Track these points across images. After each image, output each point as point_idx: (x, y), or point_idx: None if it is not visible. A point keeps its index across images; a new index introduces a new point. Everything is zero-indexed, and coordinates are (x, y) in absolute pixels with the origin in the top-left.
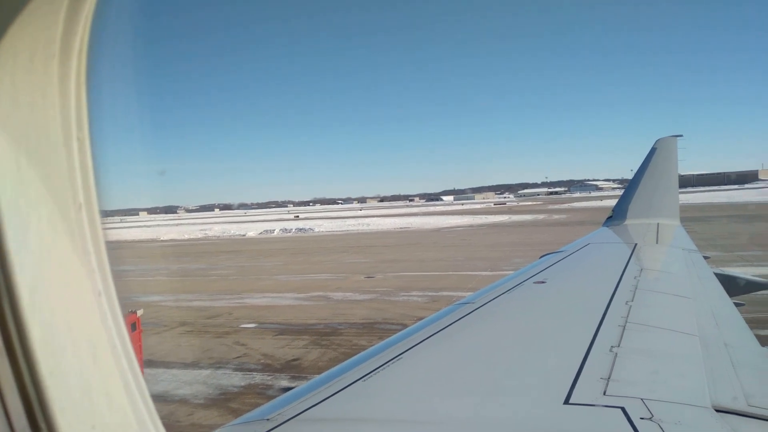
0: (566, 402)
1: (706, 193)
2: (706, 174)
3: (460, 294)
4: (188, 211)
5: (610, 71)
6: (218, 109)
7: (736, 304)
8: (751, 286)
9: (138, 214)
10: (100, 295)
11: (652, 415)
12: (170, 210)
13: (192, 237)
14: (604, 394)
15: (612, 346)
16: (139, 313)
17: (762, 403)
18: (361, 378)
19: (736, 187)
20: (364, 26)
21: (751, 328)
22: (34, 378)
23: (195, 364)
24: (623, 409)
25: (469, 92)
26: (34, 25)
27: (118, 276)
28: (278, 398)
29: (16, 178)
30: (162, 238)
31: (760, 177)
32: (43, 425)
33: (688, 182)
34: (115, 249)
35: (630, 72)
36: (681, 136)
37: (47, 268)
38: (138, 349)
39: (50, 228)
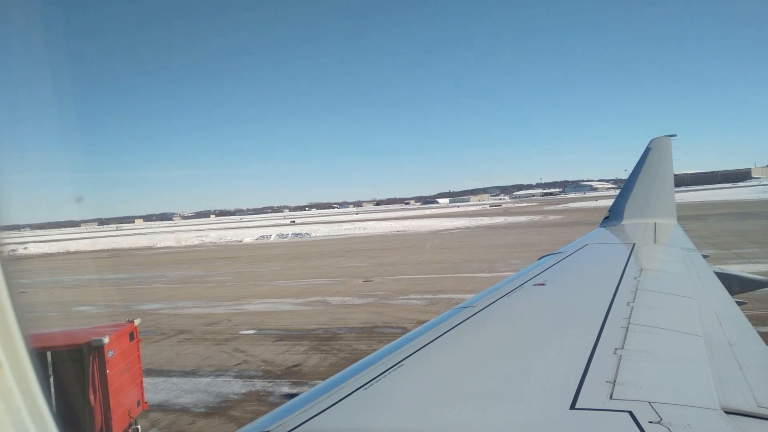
0: (572, 407)
1: (701, 192)
2: (700, 173)
3: (458, 296)
4: (184, 218)
5: (603, 72)
6: (213, 116)
7: (738, 303)
8: (751, 284)
9: (134, 222)
10: None
11: (661, 419)
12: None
13: (189, 244)
14: (611, 398)
15: (616, 348)
16: (137, 322)
17: None
18: (362, 386)
19: (729, 185)
20: (357, 28)
21: (754, 326)
22: None
23: (194, 372)
24: (631, 413)
25: (463, 95)
26: None
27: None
28: (277, 409)
29: None
30: (158, 246)
31: (753, 175)
32: None
33: (682, 181)
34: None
35: (623, 73)
36: (675, 135)
37: None
38: (136, 358)
39: None
